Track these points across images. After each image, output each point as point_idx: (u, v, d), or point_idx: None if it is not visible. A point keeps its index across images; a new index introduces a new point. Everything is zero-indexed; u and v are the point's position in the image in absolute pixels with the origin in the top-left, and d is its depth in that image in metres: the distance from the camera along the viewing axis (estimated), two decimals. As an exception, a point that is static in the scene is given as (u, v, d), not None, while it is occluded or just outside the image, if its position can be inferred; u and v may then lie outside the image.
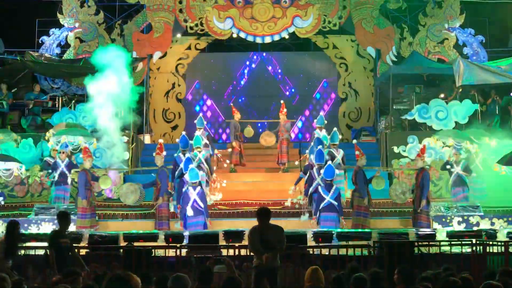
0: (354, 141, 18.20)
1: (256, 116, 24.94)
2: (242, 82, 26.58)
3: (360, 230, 15.26)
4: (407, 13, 23.89)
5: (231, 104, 23.07)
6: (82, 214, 16.57)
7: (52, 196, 18.01)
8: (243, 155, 21.12)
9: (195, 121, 19.72)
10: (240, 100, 26.14)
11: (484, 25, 23.91)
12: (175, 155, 17.38)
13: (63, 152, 18.05)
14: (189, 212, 15.85)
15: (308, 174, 17.36)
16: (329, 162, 16.76)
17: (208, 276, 7.29)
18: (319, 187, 16.31)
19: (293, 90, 26.42)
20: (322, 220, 15.96)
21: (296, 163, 20.64)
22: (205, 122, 19.97)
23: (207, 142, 19.13)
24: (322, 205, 16.00)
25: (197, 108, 25.97)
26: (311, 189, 17.04)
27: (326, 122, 19.94)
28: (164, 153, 17.12)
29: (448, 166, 17.81)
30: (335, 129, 18.75)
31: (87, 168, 17.02)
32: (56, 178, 17.80)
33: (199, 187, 16.05)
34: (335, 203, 15.93)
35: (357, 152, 17.04)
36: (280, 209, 18.43)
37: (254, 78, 26.61)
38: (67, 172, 17.88)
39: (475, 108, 20.60)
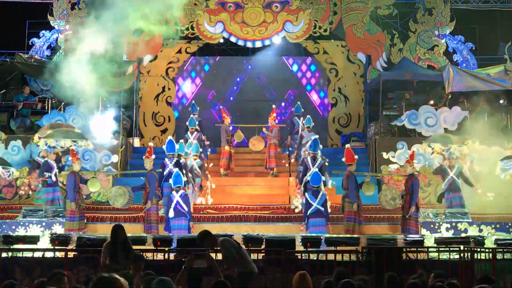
0: (348, 145, 18.09)
1: (245, 121, 24.90)
2: (232, 86, 26.54)
3: (350, 235, 15.28)
4: (397, 19, 23.94)
5: (221, 107, 23.09)
6: (70, 217, 16.54)
7: (46, 198, 17.90)
8: (232, 159, 21.15)
9: (187, 123, 20.56)
10: (229, 104, 26.10)
11: (474, 32, 24.01)
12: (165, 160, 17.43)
13: (54, 153, 18.08)
14: (171, 213, 16.02)
15: (303, 165, 17.67)
16: (316, 169, 16.91)
17: (197, 281, 7.29)
18: (306, 193, 16.47)
19: (283, 95, 26.39)
20: (311, 226, 16.13)
21: (286, 165, 20.73)
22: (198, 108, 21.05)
23: (198, 128, 20.20)
24: (309, 211, 16.20)
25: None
26: (305, 178, 17.30)
27: (303, 110, 21.36)
28: (153, 156, 17.11)
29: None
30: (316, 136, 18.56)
31: (76, 171, 16.98)
32: (53, 178, 17.84)
33: (182, 191, 16.15)
34: (322, 208, 16.17)
35: (356, 157, 17.14)
36: (269, 213, 18.47)
37: (244, 82, 26.58)
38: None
39: (464, 115, 20.68)
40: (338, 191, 18.35)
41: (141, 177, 17.76)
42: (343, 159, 17.05)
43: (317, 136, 18.10)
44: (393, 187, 17.88)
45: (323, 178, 16.66)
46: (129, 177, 20.03)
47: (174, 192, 16.13)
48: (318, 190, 16.31)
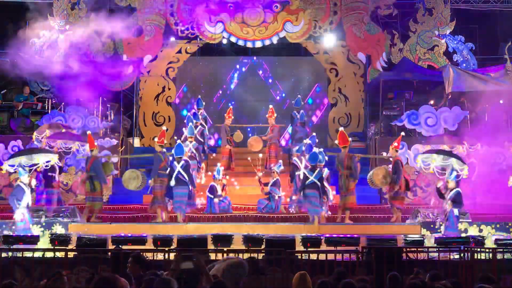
0: (341, 128, 18.51)
1: (245, 121, 24.92)
2: (232, 87, 26.52)
3: (350, 236, 15.31)
4: (397, 19, 23.93)
5: (230, 105, 23.08)
6: (100, 197, 17.74)
7: (51, 199, 17.95)
8: (232, 159, 21.16)
9: (195, 104, 21.60)
10: (230, 104, 26.07)
11: (474, 32, 24.00)
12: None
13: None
14: (172, 182, 17.10)
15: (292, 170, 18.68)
16: (314, 149, 17.83)
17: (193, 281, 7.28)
18: (305, 169, 17.44)
19: (283, 95, 26.38)
20: (308, 196, 17.12)
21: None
22: (203, 103, 21.58)
23: (204, 124, 20.70)
24: (306, 182, 17.15)
25: (184, 112, 25.65)
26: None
27: (303, 103, 22.14)
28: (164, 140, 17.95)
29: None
30: (321, 150, 18.74)
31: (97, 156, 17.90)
32: (56, 179, 17.96)
33: (183, 161, 17.26)
34: (318, 183, 17.08)
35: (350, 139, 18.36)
36: (269, 213, 18.50)
37: (244, 82, 26.57)
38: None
39: (464, 115, 20.70)
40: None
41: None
42: (336, 141, 18.10)
43: (316, 150, 18.16)
44: (382, 167, 17.95)
45: (320, 157, 17.55)
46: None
47: (175, 162, 17.19)
48: (315, 167, 17.21)
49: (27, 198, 15.89)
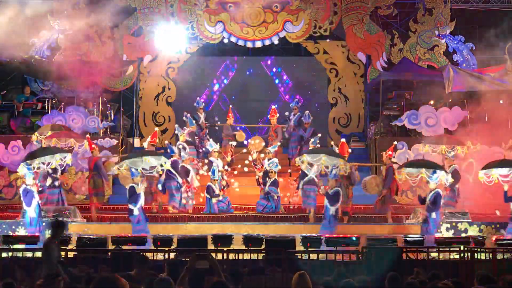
0: (343, 139, 19.21)
1: (246, 121, 24.90)
2: (233, 87, 26.52)
3: (350, 235, 15.34)
4: (397, 19, 23.93)
5: (230, 106, 23.08)
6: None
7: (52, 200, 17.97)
8: (233, 159, 21.16)
9: (195, 104, 21.79)
10: (230, 104, 26.08)
11: (474, 32, 23.99)
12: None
13: None
14: (163, 177, 18.03)
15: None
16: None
17: (199, 281, 7.29)
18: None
19: (283, 95, 26.38)
20: (306, 190, 18.15)
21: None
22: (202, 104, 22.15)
23: (203, 122, 21.34)
24: (305, 179, 18.07)
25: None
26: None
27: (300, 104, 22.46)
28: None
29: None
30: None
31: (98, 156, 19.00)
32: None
33: (172, 160, 18.13)
34: (316, 179, 18.09)
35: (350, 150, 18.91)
36: (269, 213, 18.52)
37: (244, 82, 26.56)
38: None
39: (464, 115, 20.69)
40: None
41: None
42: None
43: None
44: (376, 176, 18.91)
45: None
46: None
47: None
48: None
49: (141, 200, 16.40)
